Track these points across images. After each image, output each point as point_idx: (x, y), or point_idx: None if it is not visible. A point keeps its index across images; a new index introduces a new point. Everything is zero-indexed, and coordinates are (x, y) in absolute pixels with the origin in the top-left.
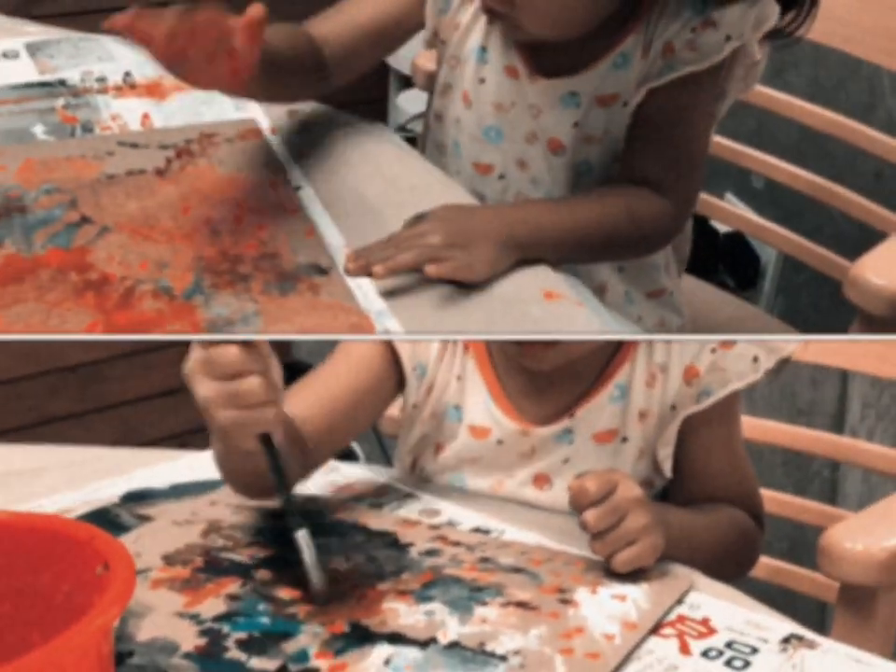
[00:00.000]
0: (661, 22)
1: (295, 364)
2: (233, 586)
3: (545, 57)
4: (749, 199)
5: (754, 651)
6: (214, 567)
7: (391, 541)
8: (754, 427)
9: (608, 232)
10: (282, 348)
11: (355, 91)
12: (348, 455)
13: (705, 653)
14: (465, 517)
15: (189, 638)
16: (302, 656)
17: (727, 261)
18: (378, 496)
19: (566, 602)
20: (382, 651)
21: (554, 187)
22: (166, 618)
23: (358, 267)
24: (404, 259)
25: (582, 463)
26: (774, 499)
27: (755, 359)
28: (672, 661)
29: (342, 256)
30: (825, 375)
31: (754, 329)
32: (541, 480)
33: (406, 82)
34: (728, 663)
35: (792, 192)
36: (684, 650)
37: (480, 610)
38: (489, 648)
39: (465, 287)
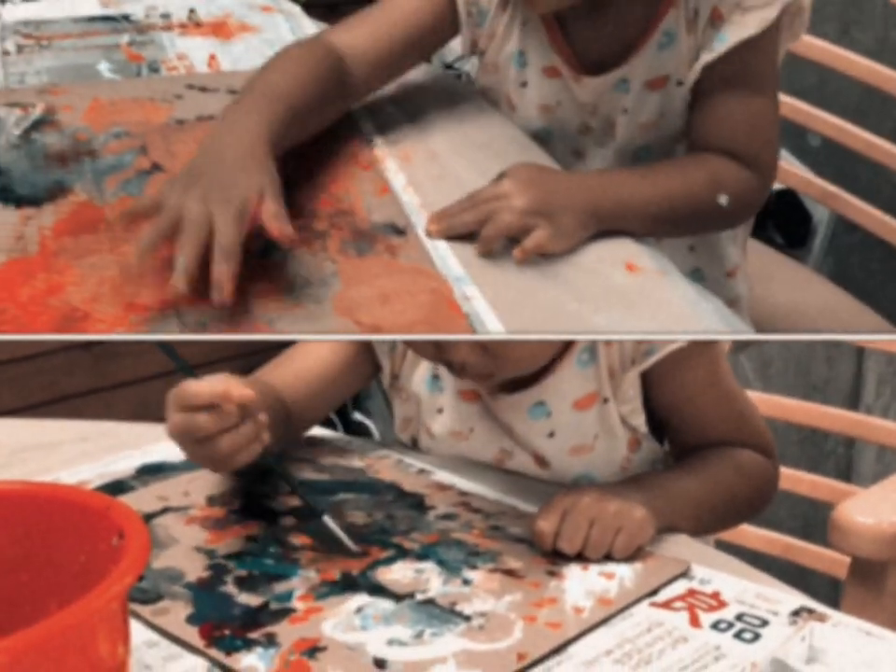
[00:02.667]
0: None
1: None
2: (256, 529)
3: (584, 53)
4: (805, 157)
5: (764, 623)
6: (248, 510)
7: (416, 503)
8: (769, 403)
9: (692, 204)
10: None
11: None
12: (362, 432)
13: (715, 625)
14: (474, 491)
15: (196, 570)
16: (286, 597)
17: (778, 219)
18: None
19: (552, 574)
20: (358, 600)
21: None
22: (185, 551)
23: (441, 229)
24: (488, 231)
25: (570, 434)
26: (788, 476)
27: None
28: (682, 633)
29: (417, 216)
30: (840, 352)
31: (804, 287)
32: (538, 461)
33: None
34: (738, 635)
35: (849, 152)
36: (694, 622)
37: (467, 573)
38: (458, 608)
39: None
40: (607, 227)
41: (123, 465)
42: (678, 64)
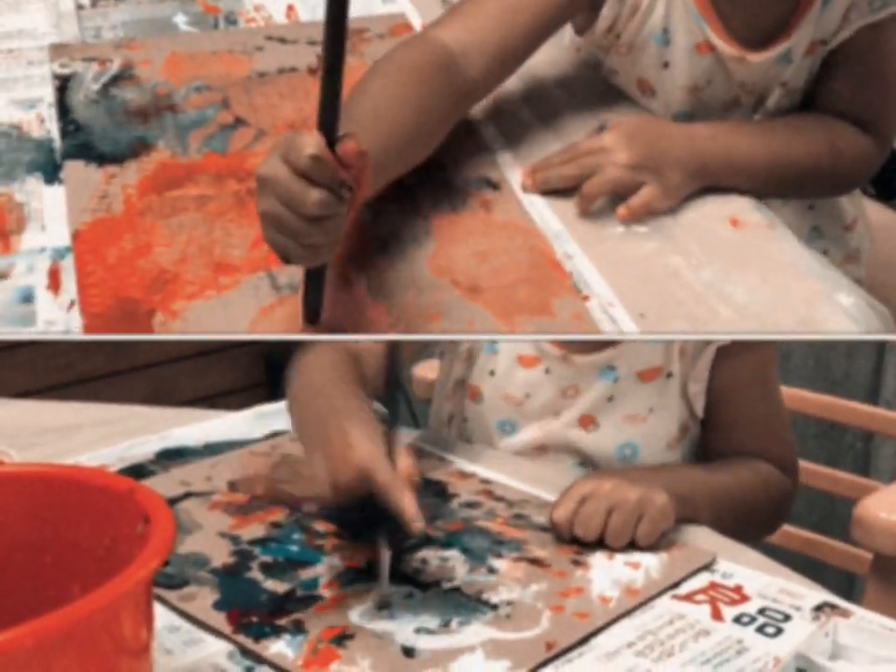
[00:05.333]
0: None
1: None
2: (280, 515)
3: (738, 28)
4: None
5: (787, 618)
6: (270, 496)
7: (439, 490)
8: (788, 397)
9: (806, 167)
10: None
11: None
12: None
13: (737, 619)
14: (496, 479)
15: (221, 556)
16: (312, 584)
17: None
18: None
19: (577, 563)
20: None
21: None
22: (210, 536)
23: (537, 182)
24: (591, 187)
25: (628, 402)
26: (806, 470)
27: None
28: (704, 626)
29: (510, 169)
30: (861, 347)
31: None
32: (586, 421)
33: None
34: (760, 629)
35: None
36: (716, 615)
37: (492, 562)
38: (485, 596)
39: None
40: (714, 183)
41: (143, 449)
42: (832, 26)
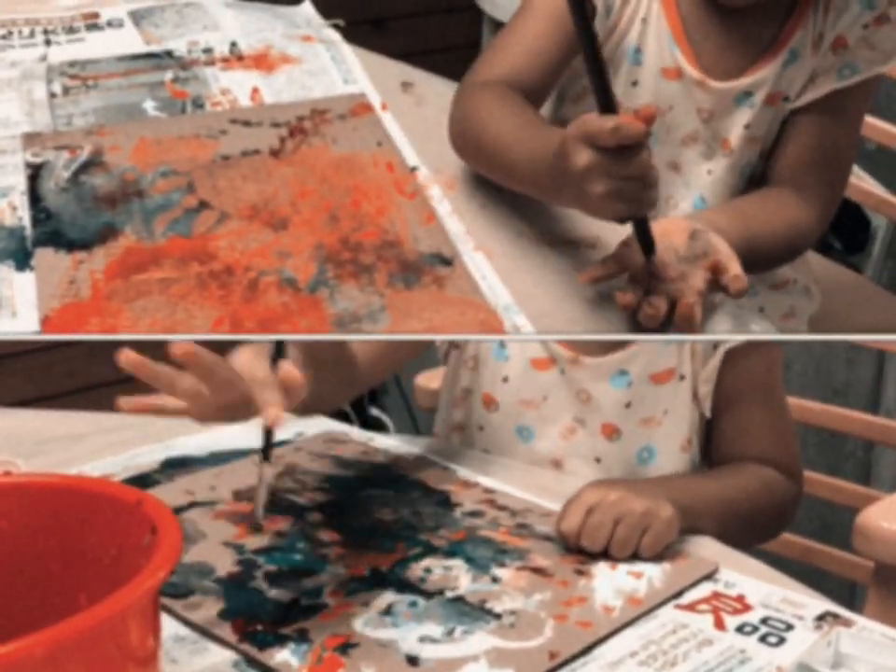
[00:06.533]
0: (828, 17)
1: None
2: (284, 524)
3: (706, 60)
4: (859, 161)
5: (789, 627)
6: (275, 505)
7: (443, 500)
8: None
9: (751, 246)
10: None
11: (447, 36)
12: (378, 426)
13: (739, 629)
14: (499, 489)
15: (225, 565)
16: (317, 592)
17: (836, 224)
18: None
19: (580, 573)
20: (388, 597)
21: (715, 188)
22: (214, 545)
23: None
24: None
25: (644, 405)
26: (807, 479)
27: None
28: (707, 635)
29: (464, 244)
30: (861, 355)
31: (855, 296)
32: (609, 430)
33: (499, 27)
34: (763, 639)
35: None
36: (719, 625)
37: (496, 571)
38: (488, 605)
39: None
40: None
41: (148, 458)
42: (794, 83)
